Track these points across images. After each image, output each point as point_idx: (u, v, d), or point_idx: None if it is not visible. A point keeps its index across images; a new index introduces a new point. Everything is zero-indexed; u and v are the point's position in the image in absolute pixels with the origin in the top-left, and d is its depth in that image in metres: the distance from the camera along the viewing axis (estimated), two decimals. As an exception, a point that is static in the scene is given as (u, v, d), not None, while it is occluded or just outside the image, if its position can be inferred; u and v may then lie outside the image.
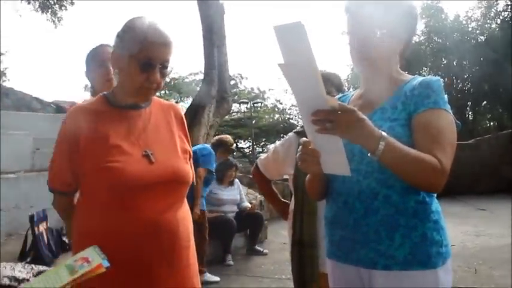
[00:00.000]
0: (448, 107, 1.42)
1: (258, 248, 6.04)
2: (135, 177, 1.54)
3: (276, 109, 32.09)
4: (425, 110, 1.38)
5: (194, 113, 9.76)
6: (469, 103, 20.29)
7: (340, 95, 1.73)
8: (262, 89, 33.01)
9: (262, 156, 2.71)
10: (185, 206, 1.73)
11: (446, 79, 19.39)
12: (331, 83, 2.31)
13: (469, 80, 19.54)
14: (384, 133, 1.27)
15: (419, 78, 1.46)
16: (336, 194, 1.51)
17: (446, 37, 18.71)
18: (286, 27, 1.17)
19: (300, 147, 1.38)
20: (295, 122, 29.07)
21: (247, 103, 26.77)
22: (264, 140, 30.63)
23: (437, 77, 1.46)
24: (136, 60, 1.56)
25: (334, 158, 1.34)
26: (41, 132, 6.94)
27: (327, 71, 2.42)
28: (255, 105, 27.89)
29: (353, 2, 1.48)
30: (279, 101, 32.76)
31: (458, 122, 1.45)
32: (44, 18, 14.49)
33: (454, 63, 19.17)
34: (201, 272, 4.61)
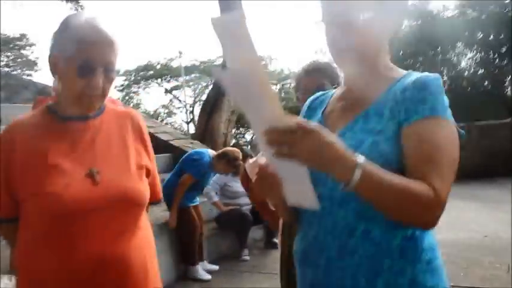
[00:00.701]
0: (449, 112, 1.10)
1: (275, 240, 5.80)
2: (75, 202, 1.33)
3: (306, 89, 31.51)
4: (419, 119, 1.07)
5: (214, 99, 9.53)
6: (508, 78, 19.30)
7: (317, 94, 1.42)
8: (292, 69, 32.41)
9: (251, 159, 2.43)
10: (143, 230, 1.49)
11: (483, 53, 18.50)
12: (324, 75, 2.00)
13: (508, 54, 18.53)
14: (359, 159, 0.97)
15: (414, 76, 1.14)
16: (306, 225, 1.22)
17: (482, 9, 17.72)
18: (224, 19, 0.93)
19: (256, 169, 1.11)
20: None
21: (276, 84, 26.42)
22: (295, 121, 30.09)
23: (436, 75, 1.13)
24: (73, 63, 1.36)
25: (298, 188, 1.06)
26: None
27: (320, 61, 2.11)
28: (285, 86, 27.46)
29: None
30: (309, 81, 32.19)
31: (462, 131, 1.15)
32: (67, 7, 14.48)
33: (491, 36, 18.19)
34: (195, 264, 4.78)
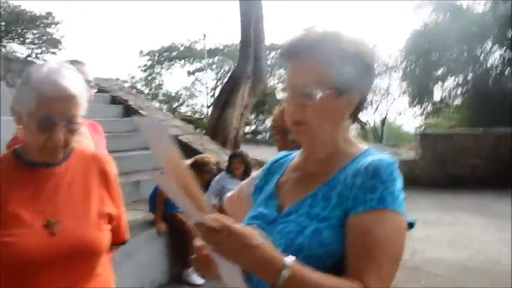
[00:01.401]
0: (399, 202, 1.04)
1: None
2: (30, 254, 1.34)
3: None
4: (365, 210, 1.02)
5: (228, 94, 9.52)
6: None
7: (279, 155, 1.37)
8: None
9: (230, 192, 2.39)
10: (101, 277, 1.51)
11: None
12: None
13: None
14: (288, 261, 0.94)
15: (370, 157, 1.09)
16: None
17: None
18: (145, 122, 1.02)
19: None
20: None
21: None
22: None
23: (390, 160, 1.07)
24: (34, 117, 1.36)
25: (230, 271, 1.06)
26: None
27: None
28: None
29: (293, 47, 1.12)
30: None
31: (413, 221, 1.10)
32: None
33: (522, 34, 17.56)
34: (188, 267, 4.82)
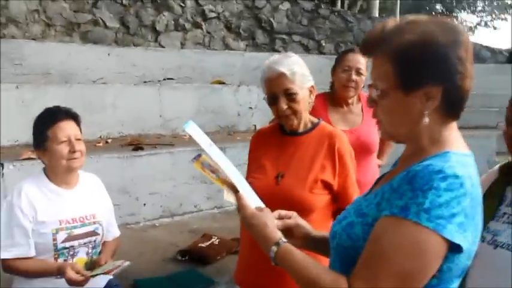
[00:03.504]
0: (431, 216, 0.92)
1: None
2: (261, 193, 1.56)
3: None
4: (386, 215, 0.99)
5: None
6: None
7: None
8: None
9: None
10: None
11: None
12: None
13: None
14: (280, 238, 1.19)
15: (427, 162, 1.00)
16: None
17: None
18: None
19: None
20: None
21: None
22: None
23: (440, 168, 0.96)
24: (267, 96, 1.89)
25: None
26: (490, 84, 6.67)
27: None
28: None
29: (363, 44, 1.12)
30: None
31: (459, 244, 0.94)
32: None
33: None
34: None
